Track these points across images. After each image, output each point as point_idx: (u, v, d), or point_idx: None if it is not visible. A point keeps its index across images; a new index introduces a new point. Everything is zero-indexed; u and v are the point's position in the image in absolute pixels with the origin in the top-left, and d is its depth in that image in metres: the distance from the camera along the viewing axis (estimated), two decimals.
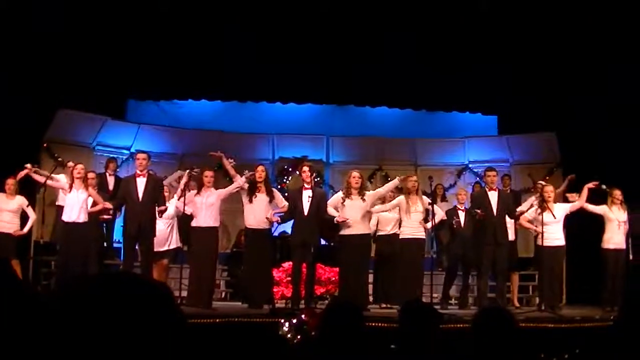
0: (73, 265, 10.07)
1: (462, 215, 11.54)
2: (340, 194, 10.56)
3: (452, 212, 11.78)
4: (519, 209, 11.02)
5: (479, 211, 10.28)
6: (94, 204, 10.59)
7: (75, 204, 10.28)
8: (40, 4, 12.54)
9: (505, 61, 14.15)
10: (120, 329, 1.51)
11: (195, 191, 10.62)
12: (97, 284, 1.59)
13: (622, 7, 12.68)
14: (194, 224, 10.47)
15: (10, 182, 10.81)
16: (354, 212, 10.23)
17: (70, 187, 10.37)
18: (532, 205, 10.91)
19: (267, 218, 10.53)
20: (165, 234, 10.88)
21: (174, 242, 11.08)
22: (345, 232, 10.26)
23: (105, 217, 11.29)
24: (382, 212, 11.09)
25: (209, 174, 10.65)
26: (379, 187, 11.46)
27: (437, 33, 14.05)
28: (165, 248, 10.94)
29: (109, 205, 10.67)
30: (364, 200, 10.30)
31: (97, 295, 1.55)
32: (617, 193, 10.89)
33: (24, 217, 11.05)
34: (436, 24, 13.94)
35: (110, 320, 1.52)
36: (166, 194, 10.80)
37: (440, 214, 11.24)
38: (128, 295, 1.56)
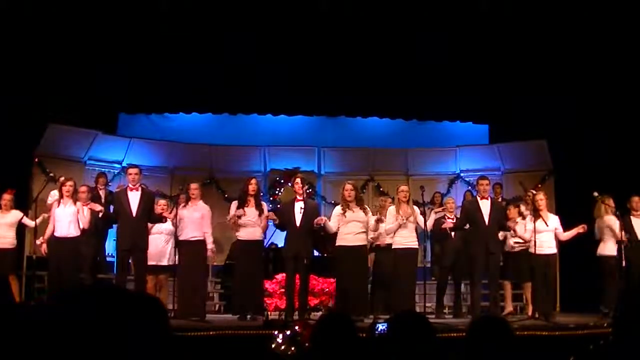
0: (64, 280, 10.05)
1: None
2: (338, 208, 10.49)
3: (439, 222, 11.80)
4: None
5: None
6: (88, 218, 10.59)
7: (65, 218, 10.27)
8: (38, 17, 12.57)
9: (496, 69, 14.19)
10: (107, 341, 1.52)
11: (183, 204, 10.62)
12: (84, 298, 1.59)
13: (623, 9, 12.70)
14: (181, 237, 10.43)
15: (6, 197, 10.79)
16: (354, 224, 10.19)
17: (59, 202, 10.38)
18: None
19: (267, 216, 10.55)
20: (165, 249, 10.87)
21: (172, 259, 10.92)
22: (341, 243, 10.22)
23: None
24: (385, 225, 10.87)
25: (193, 187, 10.64)
26: (372, 198, 11.39)
27: (429, 42, 14.04)
28: (165, 263, 10.90)
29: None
30: (365, 212, 10.27)
31: (84, 309, 1.55)
32: (610, 201, 10.93)
33: (19, 232, 11.06)
34: (429, 31, 13.92)
35: (98, 333, 1.52)
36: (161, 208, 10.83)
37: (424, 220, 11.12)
38: (115, 308, 1.56)
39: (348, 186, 10.40)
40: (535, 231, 10.30)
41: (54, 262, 10.37)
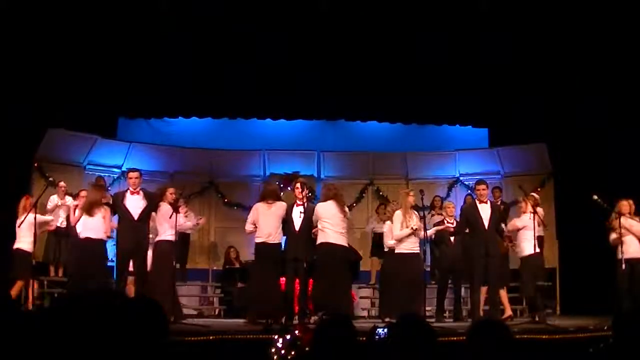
0: (85, 282, 9.91)
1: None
2: None
3: (438, 225, 11.81)
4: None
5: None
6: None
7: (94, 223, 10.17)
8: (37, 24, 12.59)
9: (496, 71, 14.18)
10: (107, 344, 1.52)
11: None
12: (85, 302, 1.59)
13: (623, 9, 12.70)
14: (157, 238, 10.26)
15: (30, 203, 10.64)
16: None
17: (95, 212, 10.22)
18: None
19: None
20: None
21: None
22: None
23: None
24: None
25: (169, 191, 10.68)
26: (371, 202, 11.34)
27: (429, 42, 14.02)
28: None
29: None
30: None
31: (85, 313, 1.55)
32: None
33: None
34: (429, 31, 13.91)
35: (98, 336, 1.52)
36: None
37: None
38: (116, 312, 1.56)
39: (323, 188, 10.58)
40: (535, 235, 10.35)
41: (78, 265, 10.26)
